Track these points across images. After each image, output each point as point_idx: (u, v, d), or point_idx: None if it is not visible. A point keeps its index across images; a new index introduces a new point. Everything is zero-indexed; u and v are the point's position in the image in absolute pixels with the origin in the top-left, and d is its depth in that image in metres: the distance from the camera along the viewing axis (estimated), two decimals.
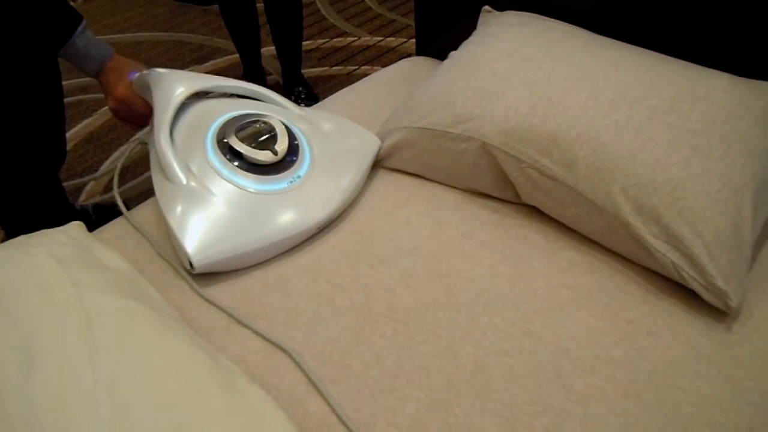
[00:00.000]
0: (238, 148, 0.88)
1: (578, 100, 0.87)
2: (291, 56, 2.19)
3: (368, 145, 1.01)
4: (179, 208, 0.84)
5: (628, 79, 0.88)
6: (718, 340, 0.76)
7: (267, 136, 0.91)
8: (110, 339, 0.64)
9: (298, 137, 0.95)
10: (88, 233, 0.87)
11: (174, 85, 0.94)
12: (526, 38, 0.99)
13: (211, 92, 0.99)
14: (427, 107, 0.97)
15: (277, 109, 1.00)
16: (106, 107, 2.20)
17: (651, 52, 0.96)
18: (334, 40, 2.68)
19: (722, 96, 0.85)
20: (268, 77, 2.40)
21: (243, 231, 0.84)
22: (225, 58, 2.56)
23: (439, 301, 0.81)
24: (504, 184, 0.93)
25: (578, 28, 1.04)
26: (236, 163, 0.88)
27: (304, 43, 2.52)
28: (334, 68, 2.45)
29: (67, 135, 2.07)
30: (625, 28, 1.05)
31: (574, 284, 0.82)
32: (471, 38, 1.09)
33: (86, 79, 2.31)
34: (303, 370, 0.72)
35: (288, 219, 0.87)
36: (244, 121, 0.93)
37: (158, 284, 0.82)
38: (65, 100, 2.24)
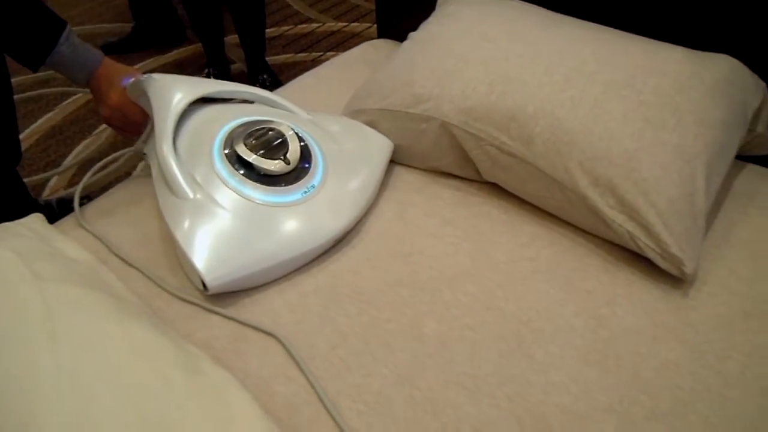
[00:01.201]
0: (247, 158, 0.83)
1: (534, 76, 0.88)
2: (254, 44, 2.18)
3: (381, 148, 0.96)
4: (188, 225, 0.79)
5: (583, 54, 0.89)
6: (675, 306, 0.78)
7: (277, 143, 0.85)
8: (71, 328, 0.64)
9: (309, 144, 0.89)
10: (48, 225, 0.86)
11: (174, 92, 0.88)
12: (483, 17, 1.00)
13: (211, 97, 0.94)
14: (387, 88, 0.97)
15: (283, 114, 0.95)
16: (69, 100, 2.17)
17: (606, 28, 0.98)
18: (299, 26, 2.66)
19: (675, 68, 0.87)
20: (233, 66, 2.38)
21: (258, 247, 0.79)
22: (188, 47, 2.52)
23: (403, 280, 0.82)
24: (465, 162, 0.94)
25: (535, 6, 1.05)
26: (246, 174, 0.83)
27: (267, 30, 2.50)
28: (299, 55, 2.44)
29: (29, 130, 2.04)
30: (580, 6, 1.06)
31: (535, 257, 0.84)
32: (430, 19, 1.09)
33: (48, 73, 2.27)
34: (270, 353, 0.73)
35: (305, 232, 0.82)
36: (252, 129, 0.87)
37: (119, 272, 0.82)
38: (25, 95, 2.20)
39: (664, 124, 0.82)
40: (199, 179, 0.82)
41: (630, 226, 0.80)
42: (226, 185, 0.82)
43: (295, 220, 0.83)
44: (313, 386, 0.69)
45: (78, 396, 0.58)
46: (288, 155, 0.85)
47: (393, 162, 1.01)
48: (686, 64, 0.88)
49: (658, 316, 0.77)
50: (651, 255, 0.79)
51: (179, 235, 0.78)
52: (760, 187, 0.95)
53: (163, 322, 0.74)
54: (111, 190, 0.99)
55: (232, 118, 0.89)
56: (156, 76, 0.89)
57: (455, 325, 0.76)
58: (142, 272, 0.83)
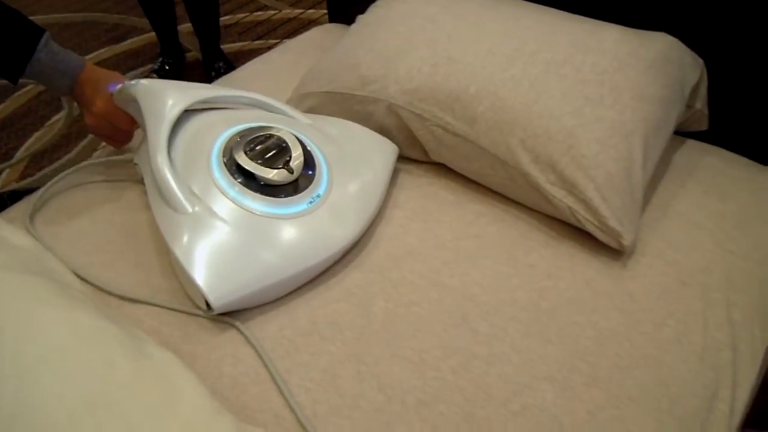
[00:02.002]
0: (248, 168, 0.78)
1: (477, 57, 0.89)
2: (209, 32, 2.15)
3: (385, 151, 0.92)
4: (187, 241, 0.74)
5: (524, 35, 0.91)
6: (615, 277, 0.80)
7: (278, 151, 0.81)
8: (13, 313, 0.63)
9: (311, 150, 0.85)
10: None
11: (166, 99, 0.83)
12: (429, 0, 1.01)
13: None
14: (334, 71, 0.98)
15: (281, 119, 0.90)
16: (20, 92, 2.12)
17: (547, 8, 0.99)
18: (254, 14, 2.64)
19: (613, 47, 0.89)
20: (188, 54, 2.35)
21: (263, 263, 0.75)
22: (141, 36, 2.49)
23: (352, 261, 0.83)
24: (412, 143, 0.95)
25: None
26: (247, 185, 0.78)
27: (223, 18, 2.48)
28: (255, 42, 2.42)
29: None
30: None
31: (479, 234, 0.85)
32: (377, 2, 1.10)
33: None
34: (218, 335, 0.73)
35: (312, 245, 0.78)
36: (251, 136, 0.82)
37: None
38: None
39: (602, 101, 0.84)
40: (197, 191, 0.77)
41: (570, 201, 0.82)
42: (226, 197, 0.77)
43: (301, 232, 0.78)
44: (265, 364, 0.70)
45: (20, 381, 0.58)
46: (291, 163, 0.80)
47: None
48: (624, 42, 0.90)
49: (598, 287, 0.79)
50: (590, 228, 0.81)
51: (179, 252, 0.74)
52: (698, 162, 0.98)
53: (108, 307, 0.74)
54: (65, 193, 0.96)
55: (230, 124, 0.85)
56: (145, 82, 0.85)
57: (402, 302, 0.77)
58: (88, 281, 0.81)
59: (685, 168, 0.97)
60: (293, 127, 0.87)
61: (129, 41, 2.46)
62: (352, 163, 0.88)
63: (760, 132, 1.02)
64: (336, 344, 0.73)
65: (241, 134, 0.83)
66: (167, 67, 2.23)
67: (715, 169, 0.97)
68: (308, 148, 0.84)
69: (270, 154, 0.80)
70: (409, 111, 0.91)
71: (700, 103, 1.00)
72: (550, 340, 0.73)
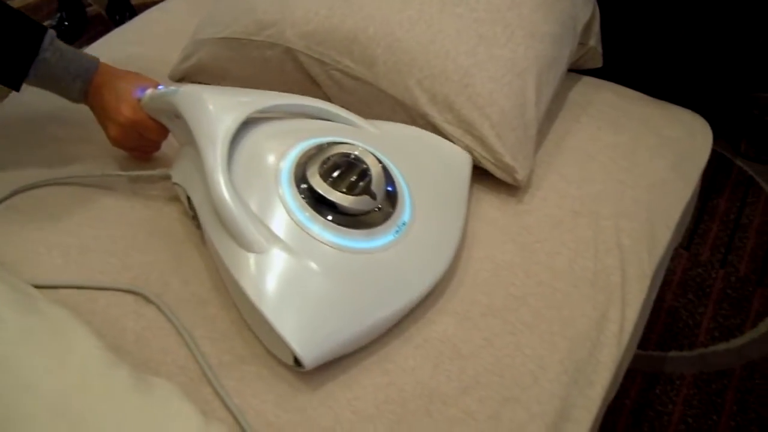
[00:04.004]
0: (327, 196, 0.67)
1: None
2: None
3: (460, 163, 0.82)
4: (268, 287, 0.64)
5: None
6: (512, 212, 0.83)
7: (354, 172, 0.69)
8: None
9: (389, 169, 0.74)
10: None
11: (218, 111, 0.70)
12: None
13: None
14: (228, 16, 0.95)
15: (345, 130, 0.78)
16: None
17: None
18: None
19: None
20: (88, 9, 2.23)
21: (355, 307, 0.66)
22: None
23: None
24: (313, 88, 0.94)
25: None
26: (325, 214, 0.68)
27: None
28: None
29: None
30: None
31: None
32: None
33: None
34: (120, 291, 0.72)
35: (405, 281, 0.69)
36: (323, 155, 0.70)
37: None
38: None
39: (496, 40, 0.85)
40: (270, 224, 0.66)
41: (467, 140, 0.83)
42: (305, 231, 0.66)
43: (391, 267, 0.69)
44: (166, 316, 0.69)
45: None
46: (372, 187, 0.69)
47: None
48: None
49: (496, 222, 0.82)
50: (487, 166, 0.83)
51: (259, 302, 0.63)
52: (592, 98, 1.02)
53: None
54: None
55: (294, 140, 0.73)
56: (187, 88, 0.73)
57: None
58: None
59: (579, 104, 1.00)
60: (362, 139, 0.75)
61: None
62: (431, 180, 0.78)
63: (650, 66, 1.06)
64: None
65: (309, 153, 0.71)
66: (66, 23, 2.10)
67: (609, 103, 1.01)
68: (386, 166, 0.73)
69: (347, 176, 0.68)
70: (308, 55, 0.89)
71: (594, 41, 1.03)
72: (450, 276, 0.75)
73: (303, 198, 0.68)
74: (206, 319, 0.70)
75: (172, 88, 0.75)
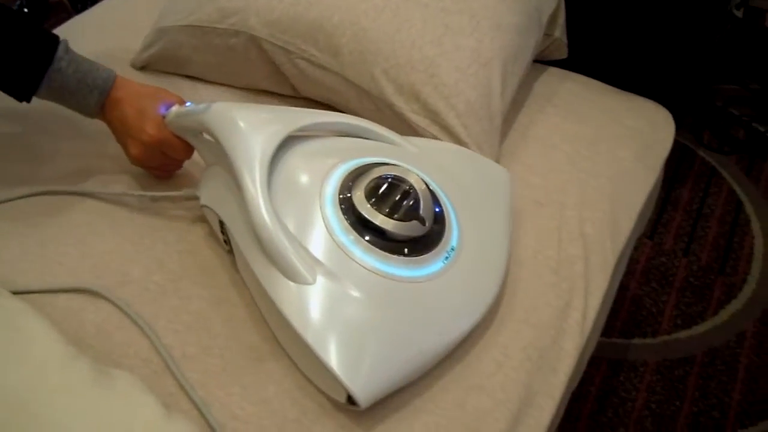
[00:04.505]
0: (377, 223, 0.64)
1: None
2: None
3: (501, 181, 0.79)
4: (318, 322, 0.61)
5: None
6: None
7: (404, 196, 0.66)
8: None
9: (434, 190, 0.70)
10: None
11: (253, 133, 0.66)
12: None
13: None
14: (192, 3, 0.93)
15: (385, 149, 0.74)
16: None
17: None
18: None
19: None
20: None
21: (410, 340, 0.63)
22: None
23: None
24: (279, 78, 0.93)
25: None
26: (374, 241, 0.64)
27: None
28: None
29: None
30: None
31: None
32: None
33: None
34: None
35: (457, 310, 0.67)
36: (367, 177, 0.66)
37: None
38: None
39: (461, 30, 0.85)
40: (316, 253, 0.63)
41: (434, 130, 0.84)
42: (353, 260, 0.63)
43: (441, 296, 0.66)
44: (119, 308, 0.68)
45: None
46: (420, 211, 0.65)
47: (208, 82, 0.97)
48: None
49: None
50: None
51: (311, 338, 0.60)
52: (557, 88, 1.03)
53: None
54: None
55: (335, 161, 0.69)
56: (217, 106, 0.69)
57: None
58: None
59: (544, 94, 1.01)
60: (404, 159, 0.72)
61: None
62: (475, 200, 0.75)
63: (615, 57, 1.07)
64: (208, 288, 0.71)
65: (352, 174, 0.68)
66: (26, 10, 2.05)
67: (573, 94, 1.02)
68: (431, 187, 0.70)
69: (394, 199, 0.65)
70: (272, 43, 0.88)
71: (559, 32, 1.04)
72: None
73: (349, 223, 0.65)
74: (169, 310, 0.69)
75: (202, 105, 0.70)
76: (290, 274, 0.62)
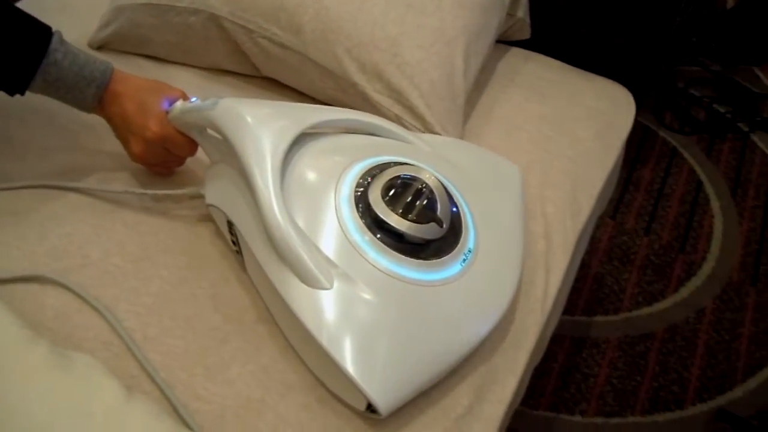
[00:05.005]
0: (395, 225, 0.62)
1: None
2: None
3: (512, 178, 0.79)
4: (336, 329, 0.59)
5: None
6: None
7: (421, 197, 0.64)
8: None
9: (450, 190, 0.69)
10: None
11: (266, 130, 0.64)
12: None
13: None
14: None
15: (398, 147, 0.73)
16: None
17: None
18: None
19: None
20: None
21: (430, 346, 0.61)
22: None
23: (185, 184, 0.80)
24: (240, 57, 0.92)
25: None
26: (390, 244, 0.62)
27: None
28: None
29: None
30: None
31: None
32: None
33: None
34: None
35: (475, 314, 0.65)
36: (384, 178, 0.65)
37: None
38: None
39: (424, 9, 0.85)
40: (330, 254, 0.61)
41: (397, 110, 0.83)
42: (370, 263, 0.61)
43: (461, 299, 0.64)
44: (75, 292, 0.67)
45: None
46: (438, 212, 0.64)
47: (169, 62, 0.96)
48: None
49: None
50: None
51: (329, 346, 0.58)
52: (520, 68, 1.04)
53: None
54: None
55: (348, 161, 0.67)
56: (225, 103, 0.66)
57: None
58: None
59: (507, 75, 1.01)
60: (418, 158, 0.70)
61: None
62: (489, 199, 0.74)
63: (577, 38, 1.08)
64: (169, 269, 0.71)
65: (368, 174, 0.66)
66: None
67: (536, 74, 1.03)
68: (447, 187, 0.68)
69: (411, 200, 0.63)
70: (233, 22, 0.87)
71: (522, 12, 1.04)
72: None
73: (365, 224, 0.63)
74: (129, 292, 0.68)
75: (208, 101, 0.68)
76: (306, 278, 0.60)
